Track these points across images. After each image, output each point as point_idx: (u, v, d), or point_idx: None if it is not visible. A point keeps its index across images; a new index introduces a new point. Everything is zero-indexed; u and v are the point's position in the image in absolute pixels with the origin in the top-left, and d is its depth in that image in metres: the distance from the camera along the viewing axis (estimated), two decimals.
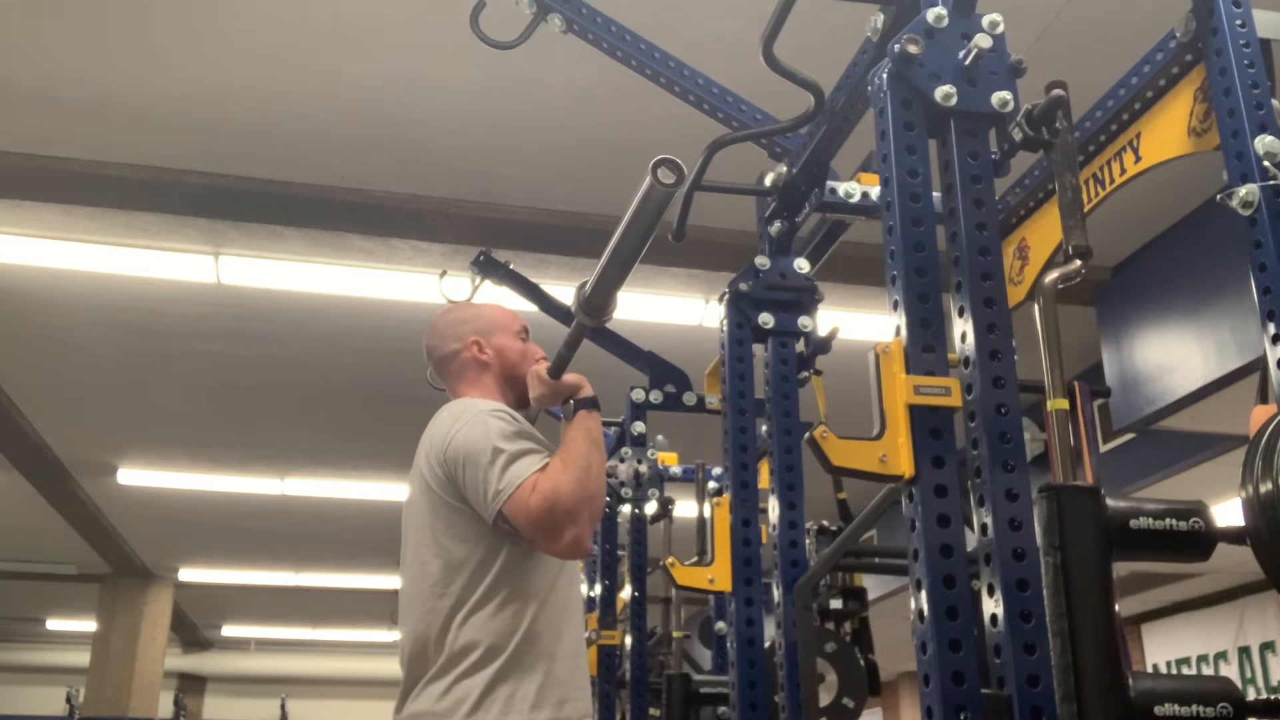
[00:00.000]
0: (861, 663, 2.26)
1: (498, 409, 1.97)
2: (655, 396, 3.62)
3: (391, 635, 12.67)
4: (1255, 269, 1.65)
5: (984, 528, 1.40)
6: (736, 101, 2.58)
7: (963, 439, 1.47)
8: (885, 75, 1.63)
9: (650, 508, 3.72)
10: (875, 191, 2.38)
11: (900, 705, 10.98)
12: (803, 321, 2.52)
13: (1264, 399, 1.65)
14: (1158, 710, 1.21)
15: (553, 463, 1.89)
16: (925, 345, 1.50)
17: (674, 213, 2.46)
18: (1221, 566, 6.06)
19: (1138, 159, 2.02)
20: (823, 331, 2.51)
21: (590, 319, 1.90)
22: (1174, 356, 4.15)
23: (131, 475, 7.45)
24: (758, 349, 2.56)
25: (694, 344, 4.39)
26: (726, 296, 2.55)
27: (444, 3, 3.17)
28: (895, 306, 1.54)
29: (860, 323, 4.58)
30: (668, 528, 3.70)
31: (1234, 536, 1.31)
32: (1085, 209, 1.56)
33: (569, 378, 2.04)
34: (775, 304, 2.52)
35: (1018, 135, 1.62)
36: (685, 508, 3.71)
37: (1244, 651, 6.89)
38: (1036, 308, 1.47)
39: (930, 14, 1.64)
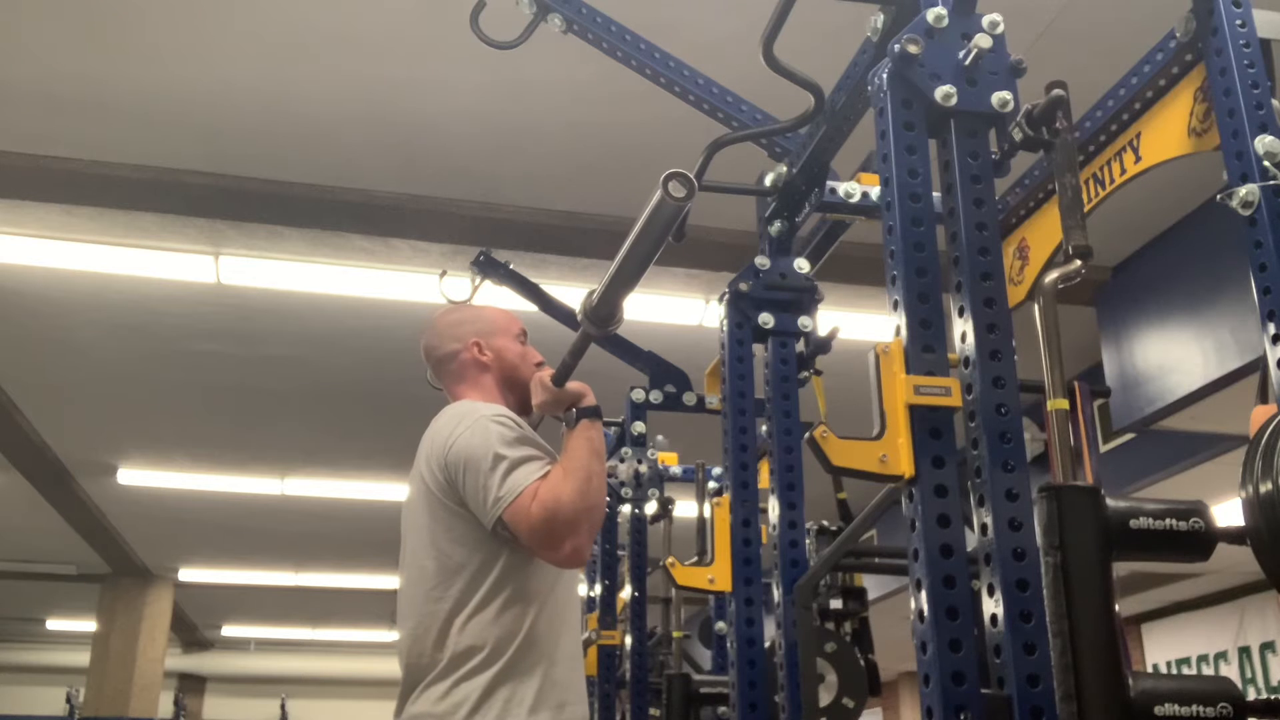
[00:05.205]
0: (861, 663, 2.25)
1: (500, 414, 1.96)
2: (655, 396, 3.62)
3: (391, 635, 12.66)
4: (1255, 269, 1.65)
5: (984, 528, 1.40)
6: (736, 101, 2.58)
7: (963, 439, 1.47)
8: (885, 75, 1.63)
9: (650, 508, 3.72)
10: (875, 191, 2.38)
11: (900, 705, 10.98)
12: (803, 321, 2.52)
13: (1264, 399, 1.65)
14: (1158, 710, 1.21)
15: (554, 471, 1.88)
16: (925, 345, 1.50)
17: None
18: (1221, 566, 6.06)
19: (1138, 159, 2.02)
20: (823, 331, 2.51)
21: (596, 328, 1.90)
22: (1174, 356, 4.15)
23: (131, 475, 7.45)
24: (758, 349, 2.55)
25: (694, 344, 4.39)
26: (726, 296, 2.55)
27: (444, 3, 3.17)
28: (895, 306, 1.54)
29: (860, 323, 4.58)
30: (668, 528, 3.70)
31: (1234, 536, 1.31)
32: (1085, 209, 1.56)
33: (572, 386, 2.03)
34: (775, 304, 2.52)
35: (1018, 135, 1.62)
36: (685, 508, 3.71)
37: (1244, 651, 6.89)
38: (1036, 308, 1.47)
39: (930, 14, 1.64)
